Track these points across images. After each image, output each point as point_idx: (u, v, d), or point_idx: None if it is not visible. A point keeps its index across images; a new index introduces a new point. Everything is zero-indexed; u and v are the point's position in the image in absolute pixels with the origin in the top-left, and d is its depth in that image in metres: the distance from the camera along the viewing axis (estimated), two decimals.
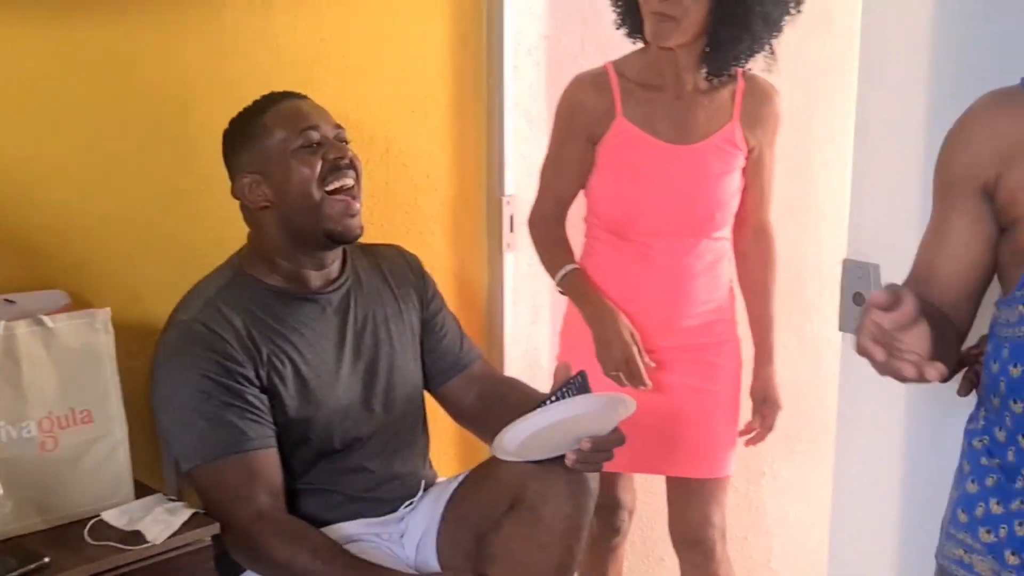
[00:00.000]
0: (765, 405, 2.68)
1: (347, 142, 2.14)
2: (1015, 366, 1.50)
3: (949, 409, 1.74)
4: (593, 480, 2.06)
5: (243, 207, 2.15)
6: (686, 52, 2.45)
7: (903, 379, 1.33)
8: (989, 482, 1.55)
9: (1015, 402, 1.51)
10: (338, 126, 2.15)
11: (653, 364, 2.50)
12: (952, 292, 1.58)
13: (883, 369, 1.35)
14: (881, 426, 2.06)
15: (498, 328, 3.00)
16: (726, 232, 2.62)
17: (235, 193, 2.13)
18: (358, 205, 2.12)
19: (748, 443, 2.71)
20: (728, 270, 2.68)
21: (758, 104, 2.53)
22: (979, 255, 1.56)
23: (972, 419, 1.62)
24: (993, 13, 1.70)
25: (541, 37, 2.98)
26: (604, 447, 1.97)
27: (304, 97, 2.17)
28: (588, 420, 1.92)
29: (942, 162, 1.61)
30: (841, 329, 2.08)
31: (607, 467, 2.05)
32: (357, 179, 2.12)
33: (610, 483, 2.70)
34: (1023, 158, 1.50)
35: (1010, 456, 1.52)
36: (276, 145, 2.08)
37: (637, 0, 2.44)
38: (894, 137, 1.95)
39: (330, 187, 2.07)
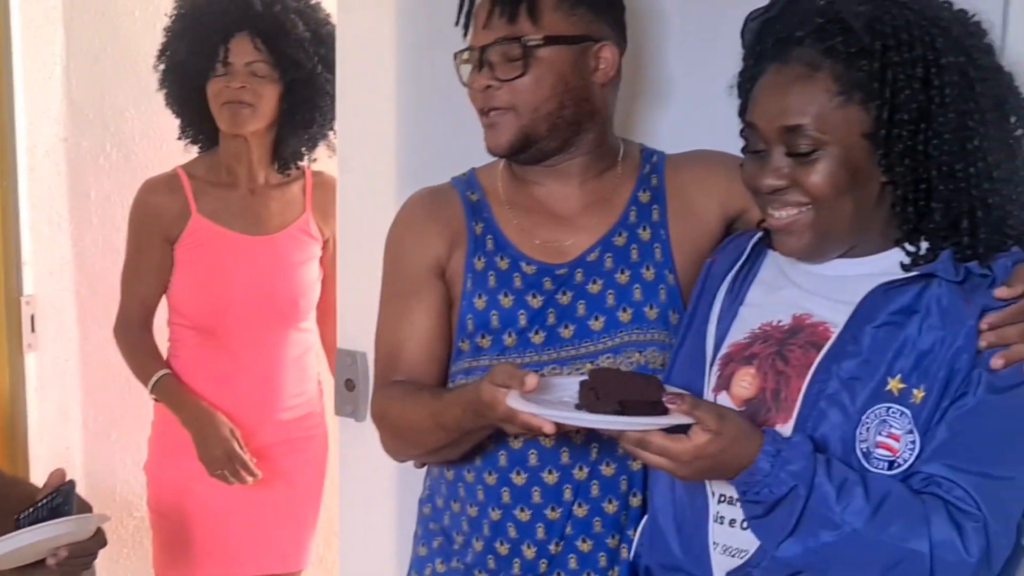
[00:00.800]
0: None
1: None
2: None
3: None
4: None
5: None
6: (258, 143, 2.56)
7: None
8: (435, 544, 1.74)
9: (448, 470, 1.71)
10: None
11: (254, 459, 2.52)
12: (420, 366, 1.69)
13: None
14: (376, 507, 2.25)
15: (21, 428, 2.95)
16: (312, 324, 2.70)
17: None
18: None
19: None
20: (315, 363, 2.75)
21: (327, 197, 2.62)
22: (442, 329, 1.69)
23: (423, 489, 1.82)
24: (449, 126, 1.92)
25: (59, 140, 3.00)
26: (84, 552, 1.81)
27: None
28: (62, 536, 1.81)
29: (394, 256, 1.74)
30: (337, 414, 2.26)
31: None
32: None
33: None
34: (461, 244, 1.68)
35: (446, 520, 1.72)
36: None
37: (201, 101, 2.52)
38: (371, 235, 2.13)
39: None
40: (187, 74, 2.56)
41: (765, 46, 1.44)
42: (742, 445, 1.31)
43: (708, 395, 1.48)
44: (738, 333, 1.50)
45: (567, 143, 1.65)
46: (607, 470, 1.61)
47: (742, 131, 1.48)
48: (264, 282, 2.59)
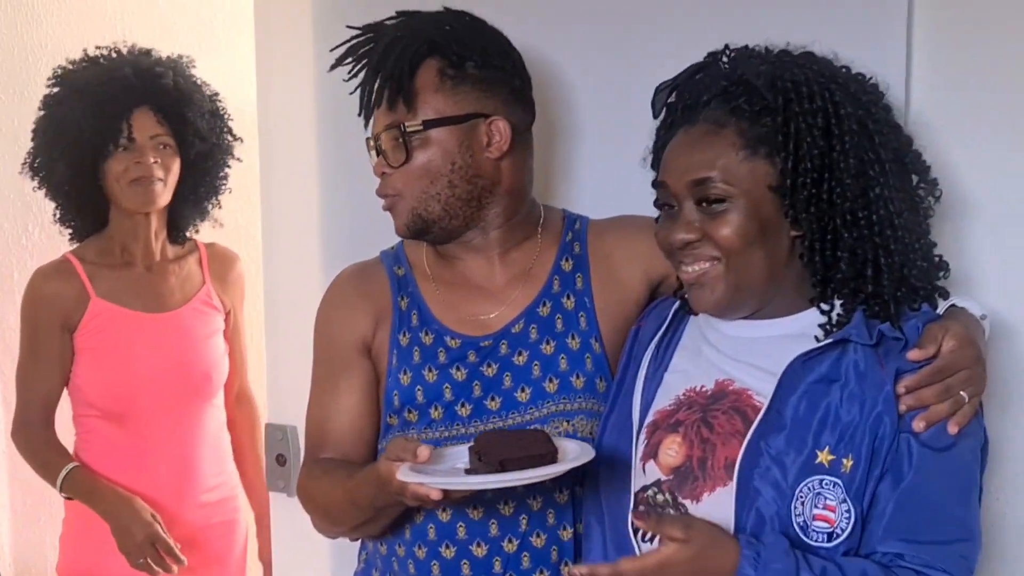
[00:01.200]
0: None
1: None
2: None
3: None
4: None
5: None
6: (157, 217, 2.52)
7: None
8: None
9: (381, 544, 1.71)
10: None
11: (179, 544, 2.41)
12: (347, 443, 1.71)
13: None
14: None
15: None
16: (223, 399, 2.66)
17: None
18: None
19: None
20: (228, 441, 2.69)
21: (224, 268, 2.63)
22: (369, 406, 1.70)
23: (358, 562, 1.81)
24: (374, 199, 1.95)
25: None
26: None
27: None
28: None
29: (322, 334, 1.74)
30: (269, 489, 2.24)
31: None
32: None
33: None
34: (387, 320, 1.69)
35: None
36: None
37: (93, 181, 2.45)
38: (298, 309, 2.13)
39: None
40: (82, 153, 2.45)
41: (675, 113, 1.48)
42: (716, 550, 1.33)
43: (636, 464, 1.48)
44: (663, 400, 1.51)
45: (471, 220, 1.66)
46: (537, 541, 1.61)
47: (656, 201, 1.50)
48: (174, 359, 2.53)
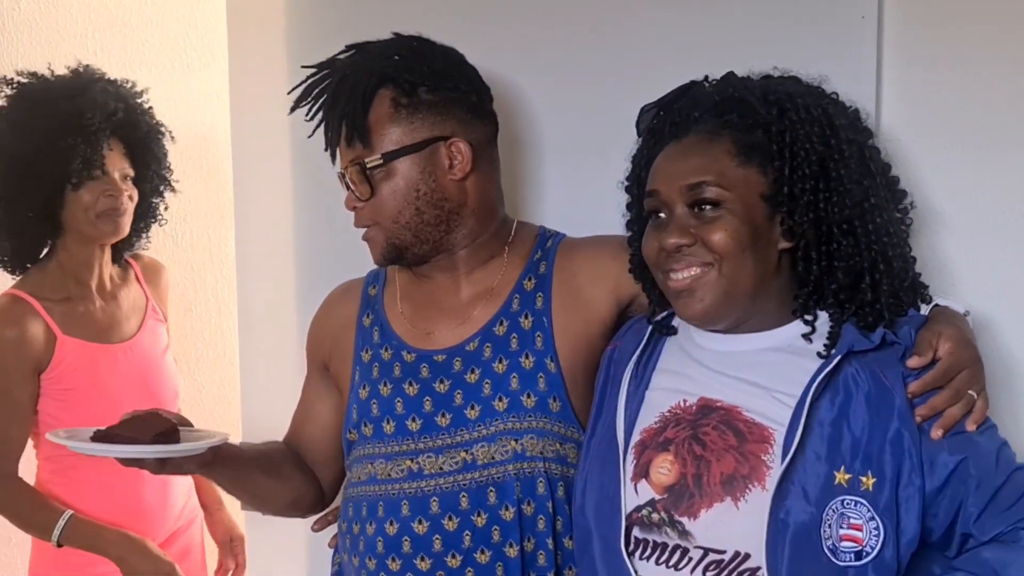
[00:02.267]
0: (233, 543, 2.66)
1: None
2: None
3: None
4: None
5: None
6: (107, 247, 2.46)
7: None
8: None
9: (344, 552, 1.74)
10: None
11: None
12: (314, 452, 1.81)
13: None
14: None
15: None
16: None
17: None
18: None
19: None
20: None
21: (156, 276, 2.61)
22: (335, 421, 1.77)
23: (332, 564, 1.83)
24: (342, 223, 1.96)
25: None
26: None
27: None
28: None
29: (307, 345, 1.85)
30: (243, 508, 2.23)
31: None
32: None
33: None
34: (345, 339, 1.75)
35: None
36: None
37: (48, 213, 2.34)
38: (272, 325, 2.17)
39: None
40: (49, 180, 2.32)
41: (661, 132, 1.48)
42: None
43: (627, 484, 1.47)
44: (648, 418, 1.50)
45: (440, 243, 1.68)
46: (482, 557, 1.61)
47: (631, 218, 1.52)
48: (143, 385, 2.47)
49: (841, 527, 1.35)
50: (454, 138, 1.64)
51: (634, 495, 1.46)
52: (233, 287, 2.25)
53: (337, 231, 1.93)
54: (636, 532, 1.46)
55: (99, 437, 1.56)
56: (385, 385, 1.69)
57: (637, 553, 1.46)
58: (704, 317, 1.45)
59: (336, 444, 1.78)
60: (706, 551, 1.40)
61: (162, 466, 1.59)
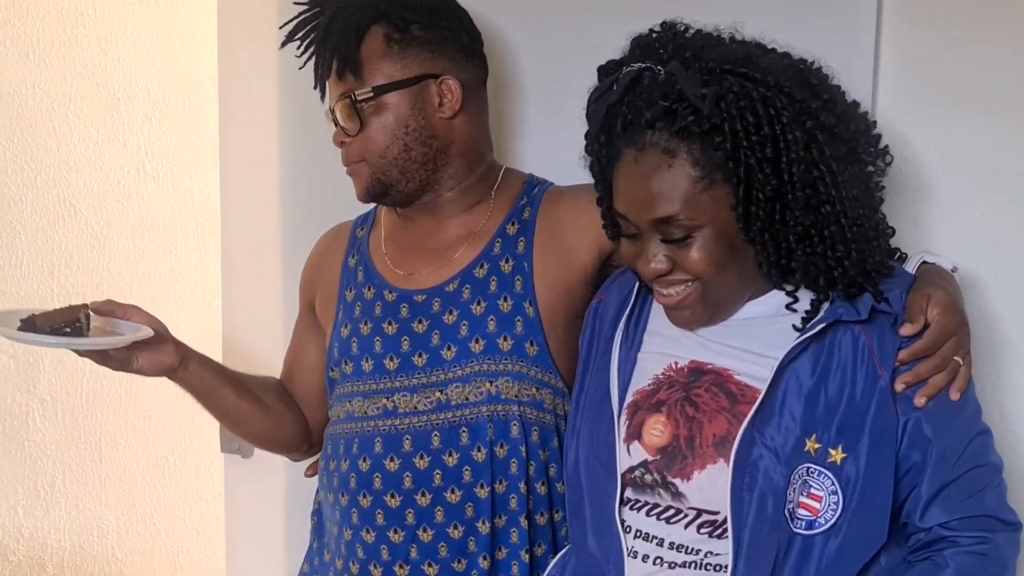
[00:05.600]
0: None
1: None
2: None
3: None
4: None
5: None
6: None
7: None
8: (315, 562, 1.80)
9: (327, 520, 1.77)
10: None
11: None
12: (303, 392, 1.84)
13: None
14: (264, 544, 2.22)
15: None
16: None
17: None
18: None
19: None
20: None
21: None
22: (319, 362, 1.79)
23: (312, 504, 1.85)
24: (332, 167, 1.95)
25: None
26: None
27: None
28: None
29: (299, 285, 1.86)
30: (223, 450, 2.22)
31: None
32: None
33: None
34: (330, 279, 1.77)
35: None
36: None
37: None
38: (255, 273, 2.15)
39: None
40: None
41: (613, 130, 1.41)
42: None
43: (620, 445, 1.47)
44: (641, 380, 1.49)
45: (427, 182, 1.68)
46: (455, 532, 1.62)
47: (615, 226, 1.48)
48: None
49: (801, 494, 1.36)
50: (445, 76, 1.65)
51: (627, 456, 1.46)
52: (215, 228, 2.23)
53: (324, 172, 1.91)
54: (629, 492, 1.46)
55: (25, 325, 1.55)
56: (366, 324, 1.69)
57: (625, 521, 1.46)
58: (696, 325, 1.45)
59: (324, 384, 1.79)
60: (699, 512, 1.41)
61: (104, 361, 1.61)
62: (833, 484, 1.35)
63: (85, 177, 3.07)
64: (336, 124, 1.66)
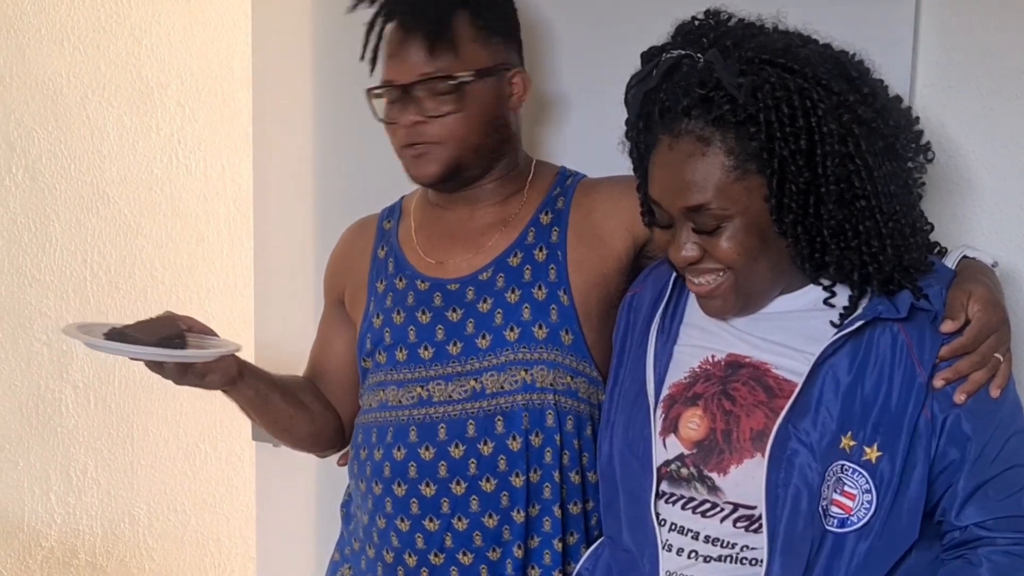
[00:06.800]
0: None
1: None
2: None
3: None
4: None
5: None
6: None
7: None
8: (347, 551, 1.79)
9: (356, 509, 1.77)
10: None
11: None
12: (333, 386, 1.83)
13: None
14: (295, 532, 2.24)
15: None
16: None
17: None
18: None
19: None
20: None
21: None
22: (352, 355, 1.78)
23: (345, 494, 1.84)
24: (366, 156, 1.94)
25: None
26: None
27: None
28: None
29: (324, 279, 1.86)
30: (255, 439, 2.23)
31: None
32: None
33: None
34: (364, 273, 1.76)
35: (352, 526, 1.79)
36: None
37: None
38: (288, 262, 2.15)
39: None
40: None
41: (651, 116, 1.40)
42: None
43: (656, 439, 1.46)
44: (677, 373, 1.48)
45: (486, 170, 1.69)
46: (490, 521, 1.63)
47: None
48: None
49: (835, 492, 1.35)
50: (516, 68, 1.68)
51: (663, 450, 1.45)
52: (246, 217, 2.24)
53: (358, 161, 1.91)
54: (664, 486, 1.45)
55: (112, 335, 1.54)
56: (399, 313, 1.69)
57: (662, 503, 1.46)
58: (728, 315, 1.45)
59: (354, 377, 1.79)
60: (735, 506, 1.40)
61: (182, 374, 1.59)
62: (868, 483, 1.34)
63: (118, 165, 3.08)
64: (407, 102, 1.62)
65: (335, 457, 1.92)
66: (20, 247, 3.02)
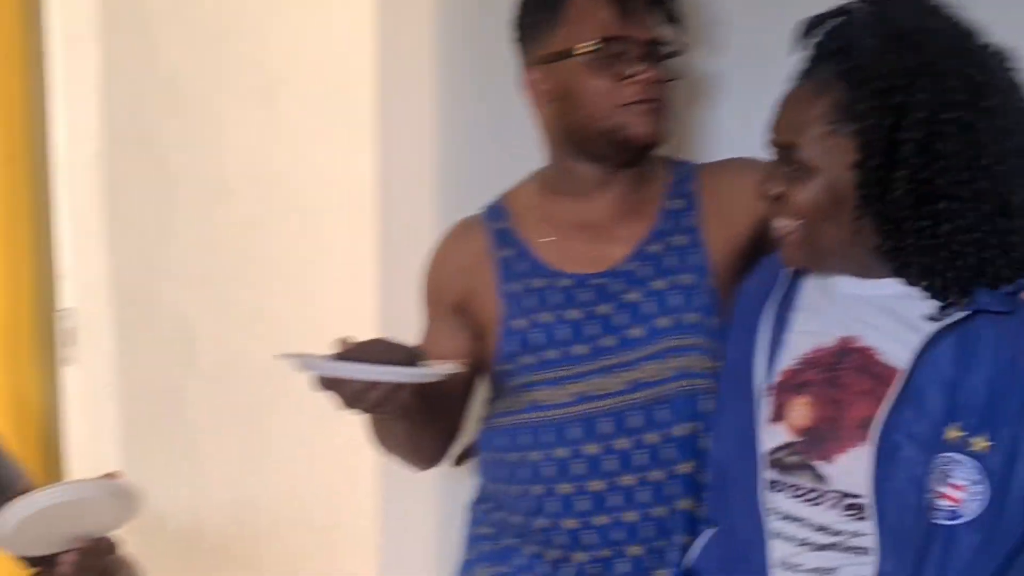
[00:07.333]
0: None
1: None
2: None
3: None
4: None
5: None
6: None
7: None
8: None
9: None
10: None
11: None
12: (443, 395, 1.74)
13: None
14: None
15: (55, 445, 2.95)
16: None
17: None
18: None
19: None
20: None
21: None
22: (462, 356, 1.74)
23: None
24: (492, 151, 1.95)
25: (95, 154, 3.01)
26: (92, 552, 1.60)
27: None
28: (90, 513, 1.59)
29: (424, 282, 1.84)
30: None
31: None
32: None
33: None
34: (486, 275, 1.74)
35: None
36: None
37: None
38: (415, 256, 2.15)
39: None
40: None
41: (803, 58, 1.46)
42: None
43: (764, 426, 1.47)
44: (788, 360, 1.49)
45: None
46: (656, 475, 1.62)
47: None
48: None
49: (943, 484, 1.32)
50: None
51: (770, 437, 1.46)
52: (367, 213, 2.25)
53: (483, 156, 1.92)
54: (772, 474, 1.45)
55: (345, 357, 1.50)
56: (545, 313, 1.68)
57: (770, 491, 1.46)
58: (798, 267, 1.47)
59: (466, 386, 1.78)
60: (842, 495, 1.39)
61: (390, 396, 1.51)
62: (978, 474, 1.32)
63: (240, 159, 3.13)
64: (649, 59, 1.66)
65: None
66: (147, 239, 3.10)
